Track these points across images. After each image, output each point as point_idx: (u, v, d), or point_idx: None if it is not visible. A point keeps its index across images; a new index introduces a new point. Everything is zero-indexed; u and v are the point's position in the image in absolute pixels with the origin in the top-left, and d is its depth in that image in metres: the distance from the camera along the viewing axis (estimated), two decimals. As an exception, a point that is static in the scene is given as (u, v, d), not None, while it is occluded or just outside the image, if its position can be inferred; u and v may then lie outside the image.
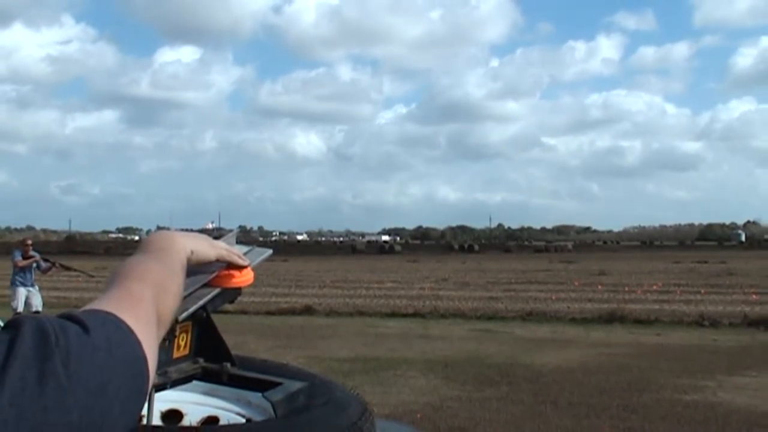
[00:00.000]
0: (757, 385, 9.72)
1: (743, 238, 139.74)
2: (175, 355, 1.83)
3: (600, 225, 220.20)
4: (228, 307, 2.09)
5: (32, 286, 14.14)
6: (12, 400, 0.72)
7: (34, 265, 14.16)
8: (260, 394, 1.85)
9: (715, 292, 24.12)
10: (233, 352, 1.96)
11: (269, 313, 18.98)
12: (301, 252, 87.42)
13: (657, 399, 8.86)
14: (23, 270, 14.06)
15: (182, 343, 1.85)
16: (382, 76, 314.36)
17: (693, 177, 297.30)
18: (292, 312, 19.23)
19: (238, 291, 2.06)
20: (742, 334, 15.00)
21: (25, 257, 14.03)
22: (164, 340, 1.78)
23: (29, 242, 14.56)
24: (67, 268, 15.16)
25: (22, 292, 13.95)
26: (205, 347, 1.91)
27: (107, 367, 0.80)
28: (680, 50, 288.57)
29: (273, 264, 46.83)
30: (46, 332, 0.79)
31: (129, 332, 0.85)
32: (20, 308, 13.74)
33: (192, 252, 1.27)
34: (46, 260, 14.41)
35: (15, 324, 0.79)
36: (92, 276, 17.75)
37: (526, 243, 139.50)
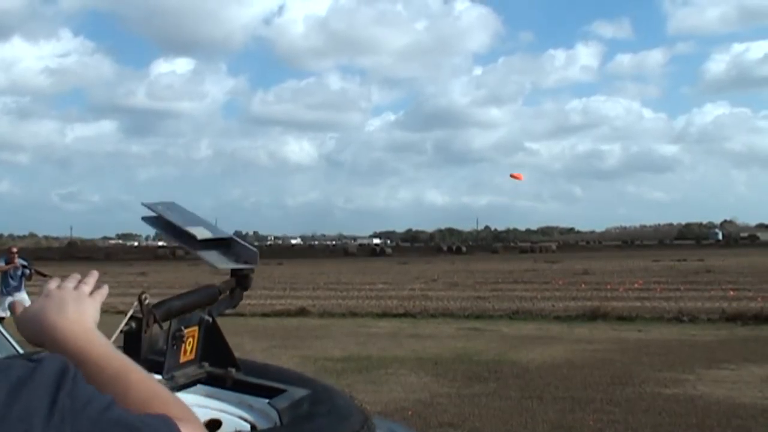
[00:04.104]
0: (735, 377, 9.78)
1: (720, 236, 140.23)
2: (182, 359, 1.87)
3: (582, 226, 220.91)
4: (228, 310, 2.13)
5: (19, 291, 13.89)
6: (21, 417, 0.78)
7: (20, 272, 13.94)
8: (266, 401, 1.86)
9: (693, 289, 24.19)
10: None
11: (265, 314, 18.95)
12: (295, 255, 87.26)
13: (639, 392, 8.91)
14: (5, 276, 13.89)
15: (189, 348, 1.88)
16: (370, 85, 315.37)
17: (671, 178, 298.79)
18: (286, 313, 19.20)
19: (240, 296, 2.09)
20: (720, 329, 15.07)
21: (9, 264, 13.86)
22: (172, 344, 1.82)
23: (15, 250, 14.43)
24: (43, 275, 15.04)
25: (4, 299, 13.79)
26: (210, 352, 1.94)
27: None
28: (655, 57, 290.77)
29: (268, 267, 46.71)
30: (66, 368, 0.84)
31: None
32: (4, 314, 13.51)
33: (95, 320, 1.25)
34: (26, 267, 14.13)
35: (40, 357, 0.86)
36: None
37: (512, 244, 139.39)
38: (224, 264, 1.97)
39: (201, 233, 1.94)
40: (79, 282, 1.30)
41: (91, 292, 1.29)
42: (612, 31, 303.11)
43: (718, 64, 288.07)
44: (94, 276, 1.34)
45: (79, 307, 1.22)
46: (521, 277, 34.58)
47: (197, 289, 1.95)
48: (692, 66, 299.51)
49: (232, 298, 2.06)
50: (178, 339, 1.82)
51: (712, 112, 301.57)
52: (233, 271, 2.00)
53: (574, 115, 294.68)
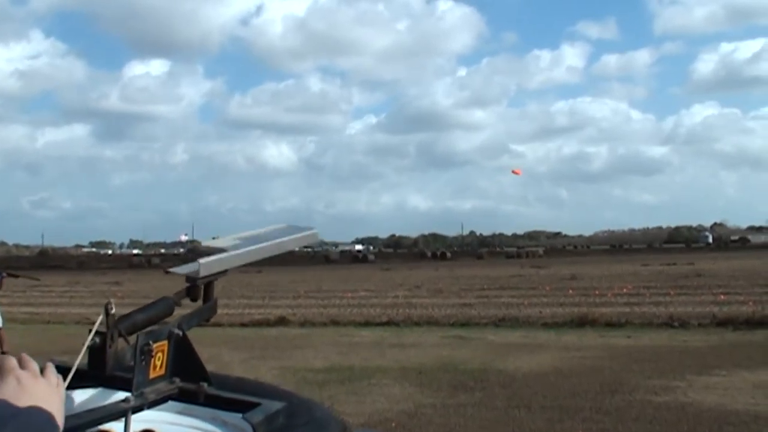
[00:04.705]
0: (727, 384, 9.83)
1: (710, 239, 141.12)
2: (151, 375, 1.84)
3: (570, 230, 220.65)
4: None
5: None
6: None
7: None
8: (239, 416, 1.85)
9: (683, 294, 24.33)
10: (207, 365, 1.96)
11: (243, 324, 18.89)
12: (274, 263, 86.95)
13: (629, 400, 8.93)
14: None
15: (158, 363, 1.85)
16: (351, 87, 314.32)
17: (660, 181, 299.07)
18: (266, 323, 19.14)
19: (213, 309, 2.07)
20: (710, 334, 15.15)
21: None
22: (140, 360, 1.79)
23: None
24: (15, 276, 14.91)
25: None
26: (181, 367, 1.91)
27: None
28: (642, 57, 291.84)
29: (247, 275, 46.50)
30: None
31: None
32: None
33: None
34: None
35: None
36: (38, 279, 17.47)
37: (498, 249, 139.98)
38: (178, 270, 1.96)
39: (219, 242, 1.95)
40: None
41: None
42: (598, 31, 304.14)
43: (706, 65, 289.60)
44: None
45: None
46: (507, 283, 34.65)
47: (155, 301, 1.93)
48: (680, 66, 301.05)
49: (203, 311, 2.04)
50: (146, 354, 1.79)
51: (701, 112, 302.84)
52: (187, 280, 1.99)
53: (560, 117, 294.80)
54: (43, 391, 1.20)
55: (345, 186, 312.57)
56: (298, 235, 2.24)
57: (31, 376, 1.21)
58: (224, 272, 2.04)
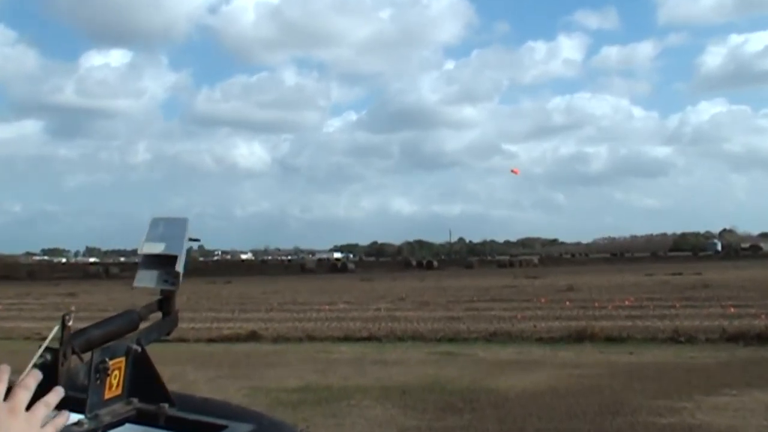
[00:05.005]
0: (738, 404, 9.88)
1: (719, 247, 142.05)
2: (107, 395, 1.81)
3: (567, 237, 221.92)
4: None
5: None
6: None
7: None
8: None
9: (690, 306, 24.44)
10: (170, 385, 1.94)
11: (211, 340, 18.82)
12: (245, 272, 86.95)
13: (631, 422, 8.96)
14: None
15: (114, 382, 1.83)
16: (329, 81, 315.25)
17: (664, 184, 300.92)
18: (235, 339, 19.07)
19: (174, 322, 2.05)
20: (720, 350, 15.23)
21: None
22: (95, 378, 1.77)
23: None
24: None
25: None
26: (139, 386, 1.89)
27: None
28: (645, 50, 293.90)
29: (215, 286, 46.44)
30: None
31: None
32: None
33: None
34: None
35: None
36: None
37: (489, 258, 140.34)
38: (143, 282, 1.94)
39: (150, 248, 1.92)
40: None
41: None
42: (597, 21, 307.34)
43: (714, 58, 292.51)
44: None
45: None
46: (499, 294, 34.71)
47: (116, 315, 1.91)
48: (686, 60, 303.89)
49: (163, 325, 2.02)
50: (101, 372, 1.77)
51: (709, 110, 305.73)
52: (161, 292, 1.97)
53: (556, 114, 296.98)
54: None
55: (322, 189, 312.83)
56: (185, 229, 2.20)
57: (7, 411, 1.11)
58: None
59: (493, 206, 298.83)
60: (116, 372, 1.82)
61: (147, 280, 1.97)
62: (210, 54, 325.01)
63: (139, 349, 1.87)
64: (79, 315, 1.72)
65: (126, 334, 1.89)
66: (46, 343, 1.64)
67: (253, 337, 19.25)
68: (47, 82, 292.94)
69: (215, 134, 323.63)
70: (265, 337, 19.22)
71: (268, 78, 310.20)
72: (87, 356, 1.76)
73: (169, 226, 2.01)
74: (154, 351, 1.91)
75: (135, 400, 1.88)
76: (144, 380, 1.89)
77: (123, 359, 1.84)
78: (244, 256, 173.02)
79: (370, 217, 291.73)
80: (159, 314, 2.01)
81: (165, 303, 1.99)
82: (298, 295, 39.24)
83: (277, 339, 19.03)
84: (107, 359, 1.78)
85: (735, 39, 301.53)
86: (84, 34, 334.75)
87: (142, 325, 1.95)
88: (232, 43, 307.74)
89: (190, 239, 2.00)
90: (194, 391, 2.13)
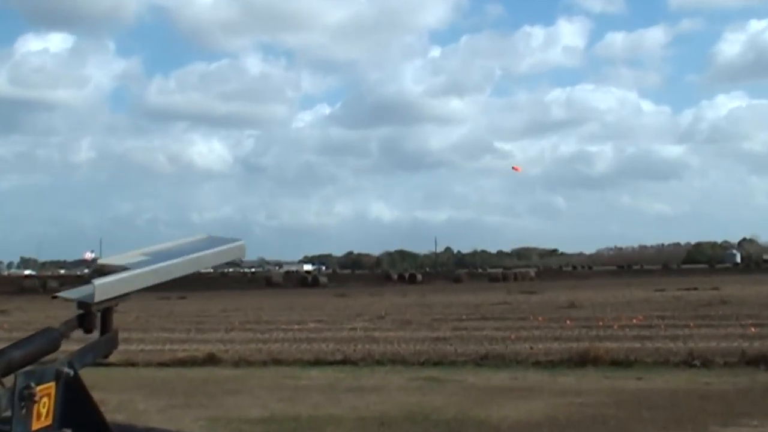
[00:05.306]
0: (758, 436, 9.93)
1: (738, 259, 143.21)
2: (35, 426, 1.79)
3: (568, 247, 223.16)
4: (109, 358, 2.06)
5: None
6: None
7: None
8: None
9: (706, 326, 24.58)
10: (117, 415, 1.93)
11: (163, 364, 18.73)
12: (203, 287, 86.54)
13: (639, 457, 8.98)
14: None
15: (43, 411, 1.81)
16: (299, 70, 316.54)
17: (676, 187, 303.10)
18: (191, 362, 19.00)
19: (113, 343, 2.03)
20: (738, 375, 15.29)
21: None
22: (20, 406, 1.74)
23: None
24: None
25: None
26: (73, 415, 1.87)
27: None
28: (655, 36, 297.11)
29: (167, 303, 46.22)
30: None
31: None
32: None
33: None
34: None
35: None
36: None
37: (480, 270, 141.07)
38: (67, 294, 1.92)
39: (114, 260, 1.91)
40: None
41: None
42: (601, 4, 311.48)
43: (731, 46, 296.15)
44: None
45: None
46: (491, 312, 34.79)
47: (35, 333, 1.89)
48: (700, 48, 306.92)
49: (100, 345, 2.00)
50: (27, 399, 1.75)
51: (726, 104, 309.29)
52: (78, 306, 1.95)
53: (556, 108, 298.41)
54: None
55: (291, 192, 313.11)
56: (221, 248, 2.21)
57: None
58: (126, 296, 2.00)
59: (484, 212, 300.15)
60: (45, 399, 1.80)
61: (76, 291, 1.95)
62: (163, 39, 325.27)
63: (72, 373, 1.84)
64: (11, 336, 1.70)
65: (47, 355, 1.86)
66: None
67: (211, 360, 19.19)
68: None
69: (169, 130, 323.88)
70: (224, 361, 19.17)
71: (229, 66, 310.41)
72: (9, 380, 1.73)
73: (199, 246, 1.98)
74: (95, 376, 1.89)
75: (68, 431, 1.86)
76: (78, 409, 1.87)
77: (53, 384, 1.82)
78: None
79: (346, 224, 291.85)
80: (88, 333, 1.99)
81: (99, 319, 1.96)
82: (263, 312, 39.17)
83: (239, 363, 18.98)
84: (33, 384, 1.76)
85: (755, 25, 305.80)
86: (19, 15, 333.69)
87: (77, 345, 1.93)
88: (189, 27, 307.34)
89: (230, 263, 1.98)
90: (144, 422, 2.11)
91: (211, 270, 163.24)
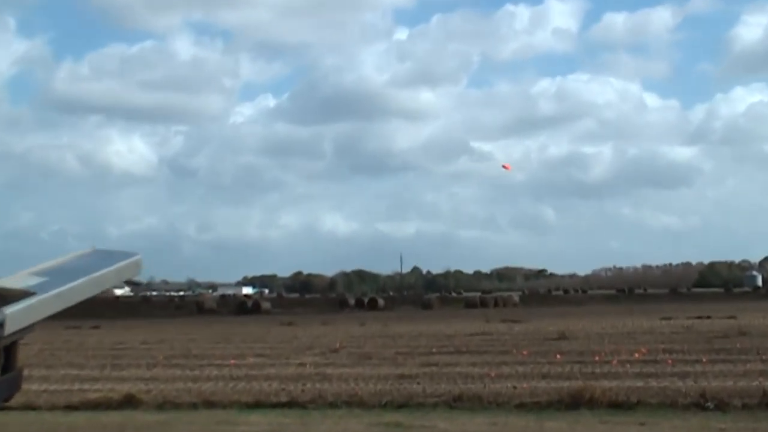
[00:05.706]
0: (782, 493, 9.99)
1: (759, 281, 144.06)
2: None
3: (558, 267, 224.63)
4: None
5: None
6: None
7: None
8: None
9: (721, 361, 24.77)
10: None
11: (71, 407, 18.59)
12: (119, 314, 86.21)
13: None
14: None
15: None
16: (237, 53, 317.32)
17: (687, 196, 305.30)
18: (105, 405, 18.87)
19: (16, 384, 1.97)
20: (759, 420, 15.39)
21: None
22: None
23: None
24: None
25: None
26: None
27: None
28: (661, 18, 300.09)
29: (77, 333, 45.91)
30: None
31: None
32: None
33: None
34: None
35: None
36: None
37: (453, 294, 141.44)
38: None
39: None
40: None
41: None
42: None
43: (750, 30, 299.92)
44: None
45: None
46: (467, 344, 34.89)
47: None
48: (714, 33, 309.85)
49: (1, 386, 1.95)
50: None
51: (744, 99, 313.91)
52: None
53: (544, 102, 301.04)
54: None
55: (228, 200, 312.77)
56: (120, 264, 2.16)
57: None
58: (32, 326, 1.96)
59: (459, 225, 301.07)
60: None
61: None
62: (74, 15, 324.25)
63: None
64: None
65: None
66: None
67: (129, 402, 19.06)
68: None
69: (81, 124, 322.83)
70: (146, 403, 19.05)
71: (154, 49, 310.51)
72: None
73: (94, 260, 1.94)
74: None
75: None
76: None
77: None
78: (118, 292, 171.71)
79: (293, 237, 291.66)
80: None
81: (2, 356, 1.92)
82: (193, 344, 39.09)
83: (163, 405, 18.88)
84: None
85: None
86: None
87: None
88: (105, 2, 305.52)
89: (126, 282, 1.94)
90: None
91: (131, 293, 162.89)
